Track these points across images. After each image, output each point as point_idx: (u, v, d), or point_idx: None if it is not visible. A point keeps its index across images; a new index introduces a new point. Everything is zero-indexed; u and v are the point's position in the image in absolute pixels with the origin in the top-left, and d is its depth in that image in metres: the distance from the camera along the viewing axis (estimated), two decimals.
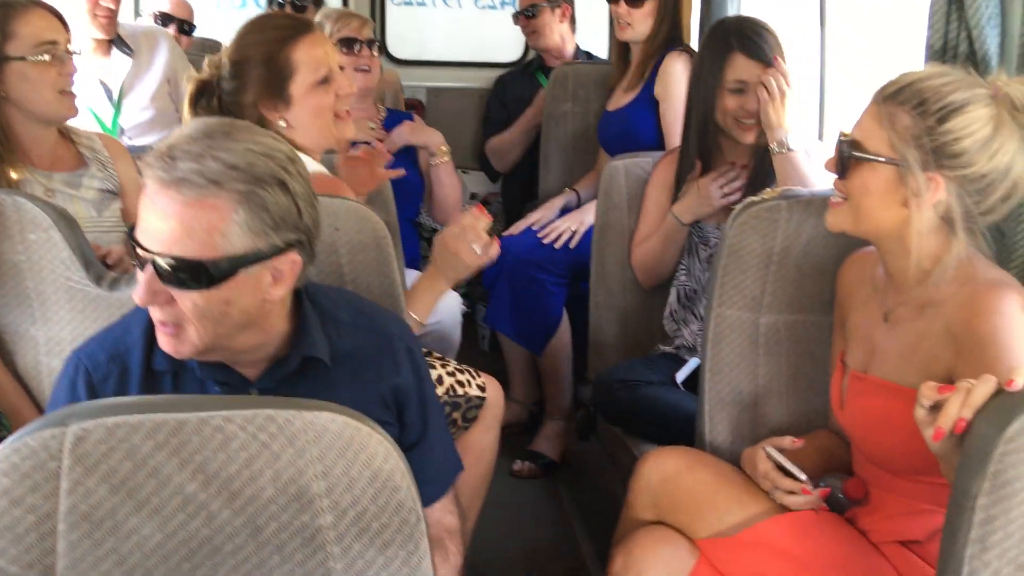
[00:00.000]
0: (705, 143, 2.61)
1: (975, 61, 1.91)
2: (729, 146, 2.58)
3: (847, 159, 1.65)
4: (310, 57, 2.08)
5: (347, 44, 3.08)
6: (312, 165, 2.11)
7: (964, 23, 1.93)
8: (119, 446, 1.05)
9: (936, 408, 1.32)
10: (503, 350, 3.43)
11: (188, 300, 1.36)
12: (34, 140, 2.24)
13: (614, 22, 3.26)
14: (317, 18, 3.21)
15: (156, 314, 1.40)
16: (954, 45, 1.97)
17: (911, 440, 1.38)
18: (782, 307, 2.07)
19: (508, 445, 2.93)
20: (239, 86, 2.08)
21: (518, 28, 4.60)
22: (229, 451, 1.08)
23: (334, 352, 1.56)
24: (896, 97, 1.59)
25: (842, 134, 1.68)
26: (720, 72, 2.49)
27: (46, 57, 2.16)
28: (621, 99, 3.30)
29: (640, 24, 3.16)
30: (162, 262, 1.34)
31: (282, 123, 2.09)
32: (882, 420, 1.64)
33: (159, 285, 1.36)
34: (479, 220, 2.13)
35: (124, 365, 1.51)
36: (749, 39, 2.48)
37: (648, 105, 3.18)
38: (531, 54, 4.61)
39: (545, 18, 3.95)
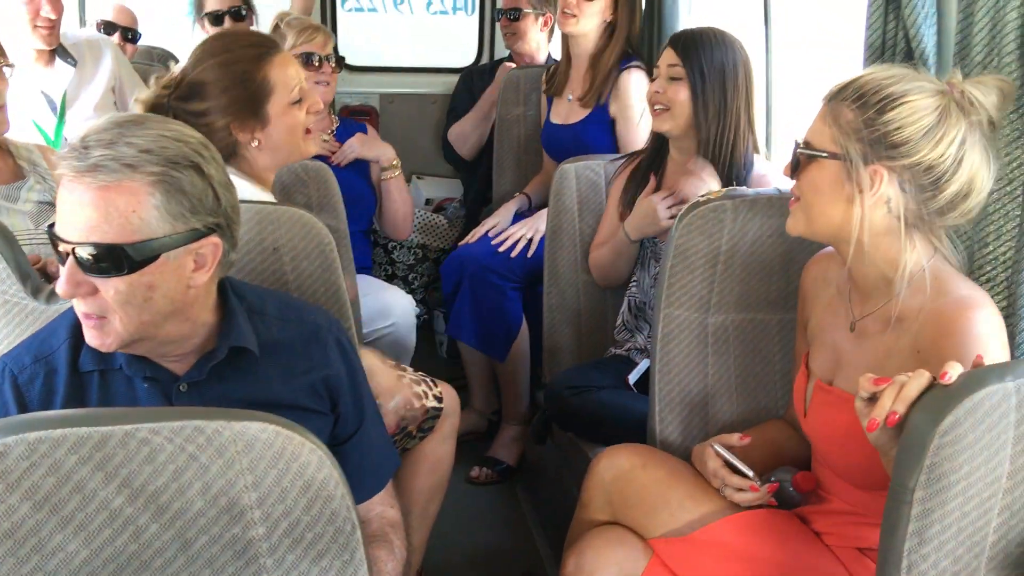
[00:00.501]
0: (657, 151, 2.61)
1: (912, 59, 1.94)
2: (674, 147, 2.58)
3: (796, 159, 1.66)
4: (285, 76, 2.05)
5: (307, 58, 3.04)
6: (263, 196, 2.09)
7: (901, 22, 1.95)
8: (42, 462, 1.03)
9: (874, 400, 1.33)
10: (463, 360, 3.41)
11: (111, 287, 1.36)
12: None
13: (559, 13, 3.18)
14: (276, 23, 3.13)
15: (80, 307, 1.39)
16: (892, 44, 2.00)
17: (875, 455, 1.38)
18: (730, 307, 2.08)
19: (466, 451, 2.92)
20: (209, 107, 2.01)
21: (472, 33, 4.63)
22: (156, 464, 1.05)
23: (262, 343, 1.56)
24: (839, 95, 1.60)
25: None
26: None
27: None
28: (571, 113, 3.27)
29: (586, 19, 3.11)
30: (82, 251, 1.34)
31: (254, 143, 2.06)
32: (846, 434, 1.61)
33: (81, 276, 1.36)
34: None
35: (50, 366, 1.50)
36: (682, 33, 2.53)
37: (604, 125, 3.17)
38: (484, 59, 4.62)
39: (527, 23, 3.91)
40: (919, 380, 1.28)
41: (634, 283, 2.67)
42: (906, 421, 1.28)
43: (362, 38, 4.01)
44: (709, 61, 2.44)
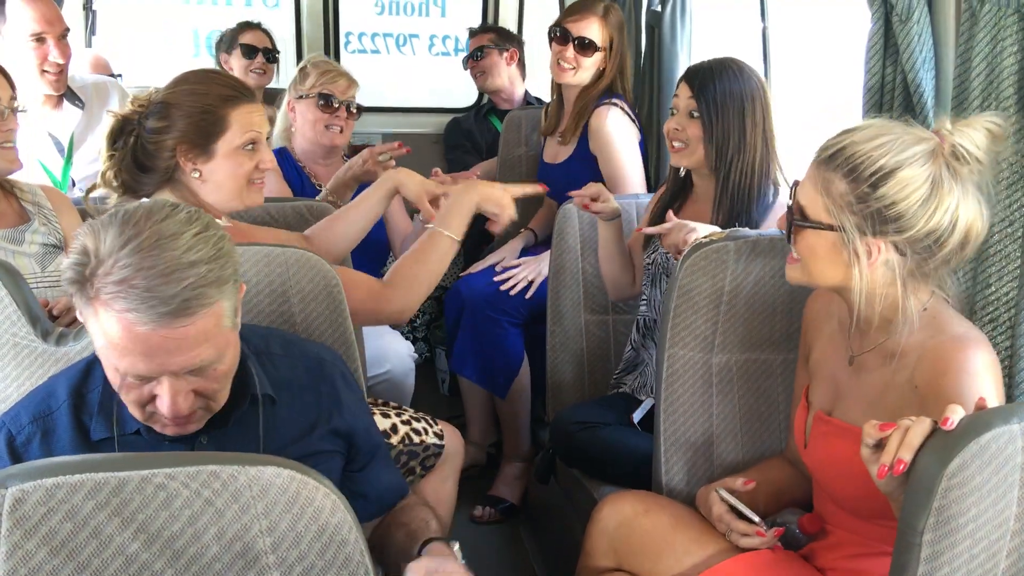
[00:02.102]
0: (681, 186, 2.61)
1: (911, 103, 1.97)
2: (698, 183, 2.57)
3: (791, 225, 1.67)
4: (245, 120, 2.08)
5: (326, 100, 3.08)
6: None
7: (899, 67, 1.99)
8: (59, 507, 1.04)
9: (880, 446, 1.34)
10: (462, 391, 3.42)
11: (212, 376, 1.41)
12: None
13: (551, 63, 3.24)
14: (305, 64, 3.18)
15: (177, 412, 1.41)
16: (891, 88, 2.03)
17: (873, 484, 1.39)
18: (733, 347, 2.10)
19: (467, 490, 2.91)
20: (166, 127, 2.05)
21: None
22: (172, 509, 1.06)
23: (272, 384, 1.59)
24: (831, 162, 1.60)
25: (790, 197, 1.71)
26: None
27: None
28: (558, 152, 3.32)
29: (584, 71, 3.18)
30: (194, 375, 1.39)
31: (195, 174, 2.09)
32: (846, 464, 1.63)
33: (187, 389, 1.40)
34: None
35: (47, 426, 1.51)
36: (695, 68, 2.51)
37: (586, 162, 3.20)
38: (485, 99, 4.67)
39: (492, 59, 4.04)
40: (922, 426, 1.30)
41: (643, 301, 2.66)
42: (913, 464, 1.29)
43: (364, 79, 4.04)
44: (725, 95, 2.42)
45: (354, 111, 3.14)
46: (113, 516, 1.05)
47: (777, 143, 2.49)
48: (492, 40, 4.09)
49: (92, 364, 1.57)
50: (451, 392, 3.96)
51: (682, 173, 2.57)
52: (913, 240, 1.56)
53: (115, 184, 2.13)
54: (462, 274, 3.47)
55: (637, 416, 2.56)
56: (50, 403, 1.53)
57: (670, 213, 2.45)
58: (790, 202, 1.69)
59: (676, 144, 2.49)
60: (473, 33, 4.28)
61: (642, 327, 2.68)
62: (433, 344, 4.15)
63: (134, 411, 1.43)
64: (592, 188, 2.60)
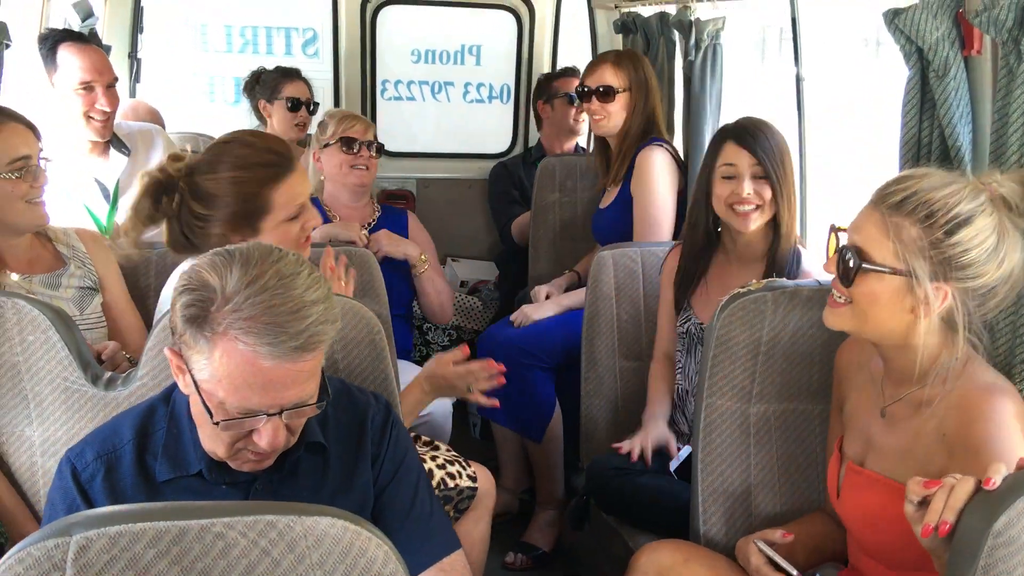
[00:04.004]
0: (708, 243, 2.61)
1: (948, 158, 1.99)
2: (740, 240, 2.56)
3: (853, 268, 1.64)
4: (288, 196, 2.12)
5: (347, 143, 3.22)
6: None
7: (936, 121, 2.02)
8: (121, 555, 1.06)
9: (924, 503, 1.35)
10: (495, 438, 3.43)
11: (301, 420, 1.50)
12: (9, 246, 2.27)
13: (591, 122, 3.36)
14: (324, 118, 3.34)
15: (277, 445, 1.46)
16: (927, 142, 2.05)
17: (907, 535, 1.39)
18: (771, 397, 2.10)
19: (500, 536, 2.91)
20: (210, 215, 2.09)
21: (506, 121, 4.76)
22: (230, 558, 1.08)
23: (323, 432, 1.62)
24: (901, 208, 1.59)
25: (845, 239, 1.70)
26: (713, 160, 2.53)
27: (17, 174, 2.18)
28: (608, 197, 3.38)
29: (614, 117, 3.25)
30: (298, 409, 1.45)
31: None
32: (879, 515, 1.65)
33: (287, 428, 1.47)
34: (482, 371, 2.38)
35: (111, 464, 1.55)
36: (741, 129, 2.52)
37: (627, 205, 3.24)
38: (519, 147, 4.74)
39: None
40: (966, 486, 1.30)
41: (679, 370, 2.68)
42: (958, 523, 1.29)
43: (400, 125, 4.14)
44: (778, 150, 2.48)
45: (374, 151, 3.28)
46: (173, 564, 1.08)
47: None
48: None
49: (155, 406, 1.62)
50: (483, 436, 3.97)
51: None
52: (976, 288, 1.58)
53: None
54: (518, 323, 3.45)
55: (674, 464, 2.56)
56: (115, 441, 1.57)
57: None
58: (848, 245, 1.68)
59: (747, 208, 2.48)
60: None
61: (676, 399, 2.68)
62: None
63: (218, 447, 1.48)
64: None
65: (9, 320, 1.87)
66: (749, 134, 2.49)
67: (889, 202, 1.61)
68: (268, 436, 1.44)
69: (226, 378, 1.39)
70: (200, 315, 1.39)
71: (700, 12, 3.32)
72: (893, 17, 2.03)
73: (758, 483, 2.11)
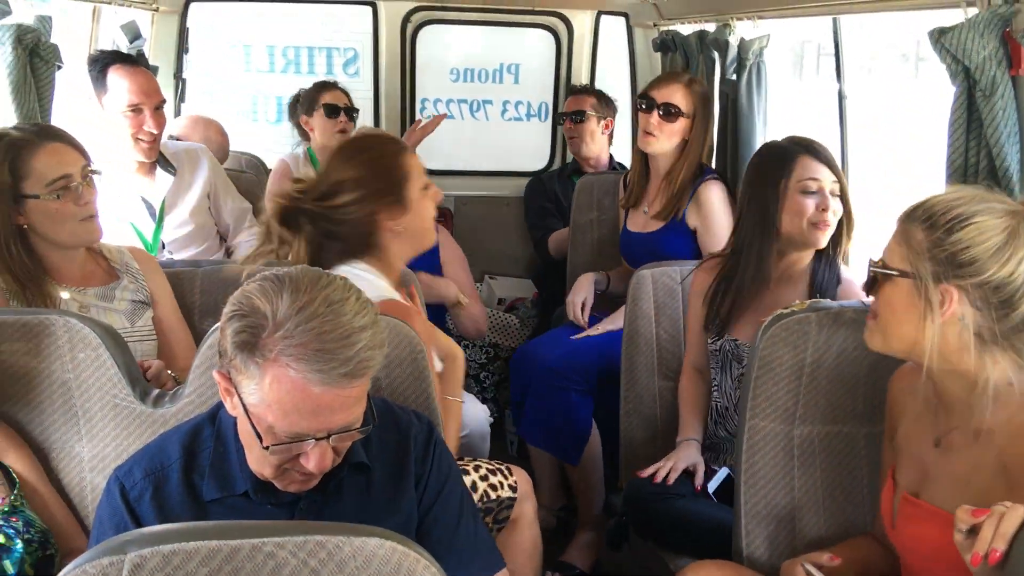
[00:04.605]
0: (759, 260, 2.56)
1: (996, 178, 1.97)
2: (783, 259, 2.55)
3: (872, 276, 1.70)
4: (416, 165, 2.24)
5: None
6: (391, 292, 2.21)
7: (983, 141, 1.99)
8: (174, 574, 1.07)
9: (974, 532, 1.33)
10: (531, 457, 3.43)
11: (348, 443, 1.51)
12: (63, 260, 2.32)
13: (638, 132, 3.31)
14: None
15: (324, 468, 1.48)
16: (974, 163, 2.03)
17: (964, 570, 1.37)
18: (816, 419, 2.08)
19: None
20: (351, 200, 2.17)
21: (544, 138, 4.79)
22: None
23: (367, 452, 1.63)
24: (912, 215, 1.65)
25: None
26: (786, 176, 2.47)
27: (59, 194, 2.21)
28: (648, 223, 3.32)
29: (666, 139, 3.20)
30: (346, 433, 1.46)
31: (399, 228, 2.21)
32: (935, 548, 1.61)
33: (333, 451, 1.48)
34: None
35: (159, 482, 1.57)
36: (810, 144, 2.51)
37: (682, 235, 3.21)
38: (556, 163, 4.75)
39: (590, 126, 4.12)
40: (1016, 514, 1.28)
41: (715, 387, 2.67)
42: (1009, 554, 1.27)
43: (439, 143, 4.17)
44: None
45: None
46: None
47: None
48: (593, 106, 4.12)
49: (200, 426, 1.64)
50: (519, 454, 3.97)
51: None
52: (986, 291, 1.55)
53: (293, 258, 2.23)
54: (576, 335, 3.44)
55: (712, 486, 2.54)
56: (162, 460, 1.59)
57: None
58: (873, 258, 1.72)
59: (829, 223, 2.47)
60: (573, 91, 4.33)
61: (714, 414, 2.67)
62: (502, 405, 4.17)
63: (266, 468, 1.49)
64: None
65: (60, 338, 1.90)
66: (822, 149, 2.50)
67: (905, 213, 1.66)
68: (316, 459, 1.45)
69: (276, 403, 1.41)
70: (251, 341, 1.41)
71: (740, 30, 3.32)
72: (939, 36, 2.02)
73: (802, 505, 2.09)
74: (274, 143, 4.42)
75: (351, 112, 4.02)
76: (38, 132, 2.26)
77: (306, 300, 1.41)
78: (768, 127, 3.28)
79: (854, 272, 2.56)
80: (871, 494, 2.07)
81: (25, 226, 2.22)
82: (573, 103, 4.21)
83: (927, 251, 1.59)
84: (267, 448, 1.44)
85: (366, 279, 2.17)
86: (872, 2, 2.60)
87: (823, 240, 2.48)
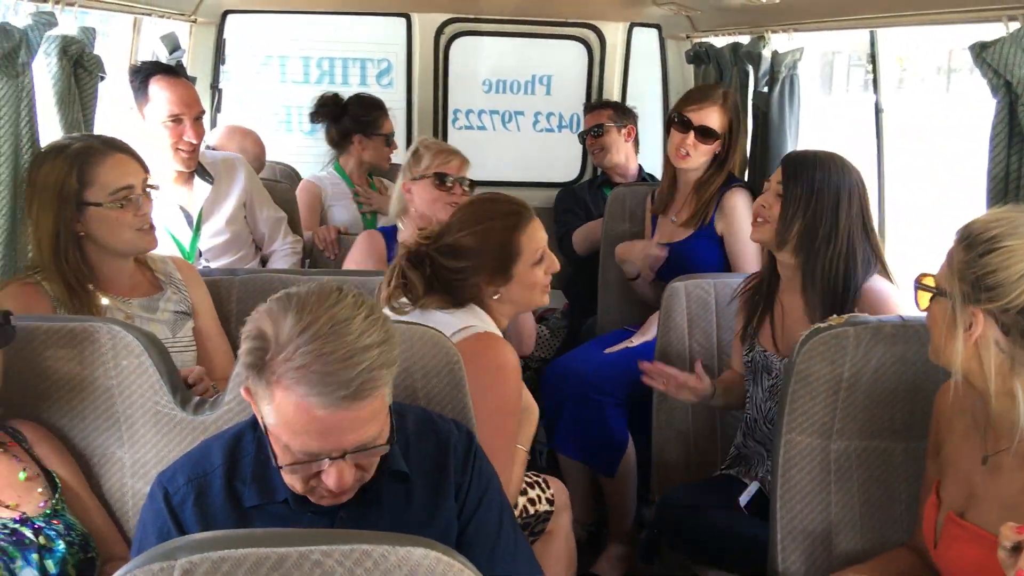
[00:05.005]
0: (772, 274, 2.62)
1: None
2: (782, 269, 2.58)
3: (915, 291, 1.72)
4: (533, 242, 2.29)
5: (441, 179, 3.16)
6: (492, 327, 2.25)
7: None
8: None
9: (1018, 549, 1.31)
10: (563, 470, 3.42)
11: (372, 458, 1.50)
12: (113, 270, 2.36)
13: (670, 149, 3.31)
14: (417, 147, 3.29)
15: (344, 486, 1.47)
16: (1016, 176, 2.02)
17: None
18: (853, 433, 2.07)
19: None
20: (467, 267, 2.25)
21: (575, 150, 4.80)
22: None
23: (406, 462, 1.63)
24: (958, 234, 1.66)
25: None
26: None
27: (122, 204, 2.28)
28: (675, 232, 3.34)
29: (701, 157, 3.24)
30: (362, 452, 1.46)
31: (496, 296, 2.28)
32: (979, 568, 1.60)
33: (357, 468, 1.48)
34: None
35: (201, 488, 1.58)
36: (793, 155, 2.57)
37: (710, 241, 3.24)
38: (587, 175, 4.76)
39: (612, 137, 4.14)
40: None
41: (748, 399, 2.66)
42: None
43: (471, 154, 4.18)
44: (818, 183, 2.42)
45: (467, 188, 3.22)
46: None
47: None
48: (610, 117, 4.17)
49: (242, 432, 1.65)
50: (548, 464, 3.96)
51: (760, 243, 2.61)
52: (1011, 316, 1.55)
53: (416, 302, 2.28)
54: (609, 349, 3.43)
55: (744, 500, 2.53)
56: (205, 466, 1.60)
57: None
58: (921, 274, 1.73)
59: (759, 220, 2.54)
60: (590, 108, 4.37)
61: (744, 427, 2.66)
62: None
63: (295, 483, 1.50)
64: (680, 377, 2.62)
65: (104, 345, 1.93)
66: (795, 161, 2.53)
67: (957, 230, 1.67)
68: (334, 478, 1.45)
69: (285, 424, 1.41)
70: (258, 363, 1.41)
71: (775, 42, 3.31)
72: (980, 51, 2.01)
73: (838, 521, 2.07)
74: (308, 153, 4.46)
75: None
76: (104, 142, 2.33)
77: (310, 320, 1.40)
78: (799, 140, 3.27)
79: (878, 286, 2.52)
80: (908, 511, 2.05)
81: (82, 233, 2.27)
82: (590, 119, 4.26)
83: (960, 272, 1.60)
84: (281, 468, 1.46)
85: (464, 315, 2.24)
86: (911, 15, 2.58)
87: (756, 233, 2.57)
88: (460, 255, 2.26)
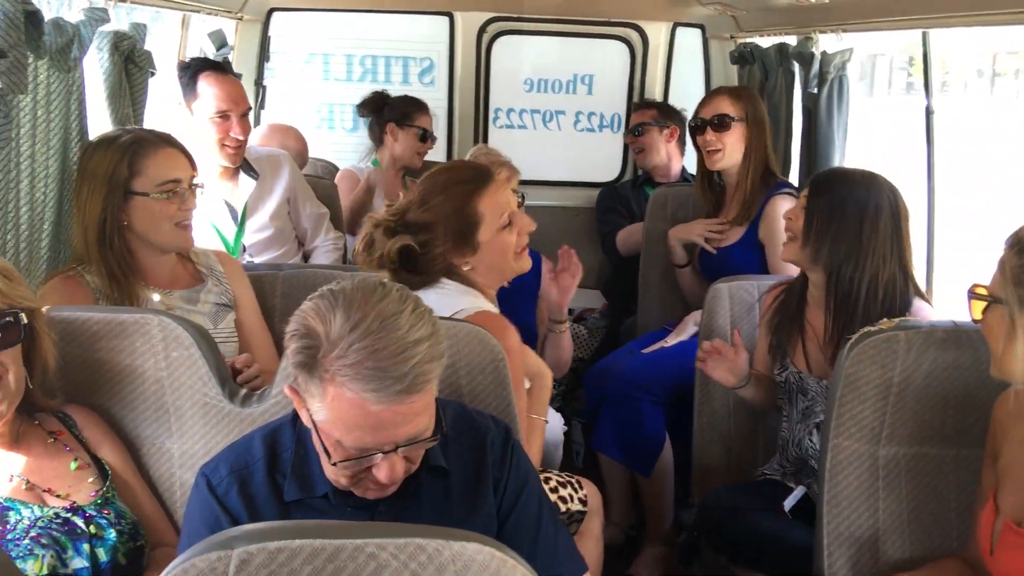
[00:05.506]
0: (804, 284, 2.57)
1: None
2: (811, 285, 2.56)
3: (969, 300, 1.70)
4: (495, 205, 2.25)
5: None
6: (484, 304, 2.24)
7: None
8: (279, 570, 1.09)
9: None
10: (602, 471, 3.41)
11: (420, 451, 1.52)
12: (154, 262, 2.39)
13: (703, 154, 3.32)
14: (470, 156, 3.32)
15: (395, 479, 1.49)
16: None
17: None
18: (902, 439, 2.04)
19: (605, 570, 2.87)
20: (430, 239, 2.23)
21: (616, 149, 4.78)
22: None
23: (445, 457, 1.63)
24: (1010, 240, 1.65)
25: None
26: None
27: (168, 195, 2.31)
28: (729, 236, 3.31)
29: (730, 148, 3.22)
30: (413, 445, 1.47)
31: (467, 267, 2.26)
32: None
33: (403, 461, 1.49)
34: None
35: (244, 479, 1.59)
36: (821, 172, 2.61)
37: (752, 248, 3.21)
38: (628, 175, 4.75)
39: (652, 137, 4.12)
40: None
41: (784, 419, 2.62)
42: None
43: (511, 153, 4.19)
44: (842, 199, 2.37)
45: (519, 198, 3.19)
46: None
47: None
48: (653, 117, 4.15)
49: (283, 426, 1.66)
50: (585, 465, 3.95)
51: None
52: None
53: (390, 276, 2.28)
54: (647, 350, 3.42)
55: (788, 504, 2.50)
56: (247, 458, 1.61)
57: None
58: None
59: (788, 235, 2.50)
60: (635, 108, 4.36)
61: (780, 443, 2.62)
62: (568, 415, 4.15)
63: (341, 478, 1.51)
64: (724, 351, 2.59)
65: (155, 336, 1.95)
66: (821, 176, 2.51)
67: (1008, 238, 1.66)
68: (386, 471, 1.46)
69: (339, 420, 1.42)
70: (309, 362, 1.42)
71: (824, 43, 3.28)
72: None
73: (886, 528, 2.04)
74: (350, 151, 4.48)
75: (433, 138, 4.11)
76: (157, 136, 2.36)
77: (359, 317, 1.41)
78: (848, 142, 3.24)
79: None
80: (959, 519, 2.02)
81: (126, 223, 2.30)
82: (634, 118, 4.27)
83: (1015, 277, 1.58)
84: (335, 464, 1.46)
85: (452, 294, 2.21)
86: (965, 16, 2.54)
87: (785, 252, 2.54)
88: (421, 230, 2.23)
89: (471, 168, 2.32)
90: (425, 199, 2.26)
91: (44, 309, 1.82)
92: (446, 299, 2.21)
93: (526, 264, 2.34)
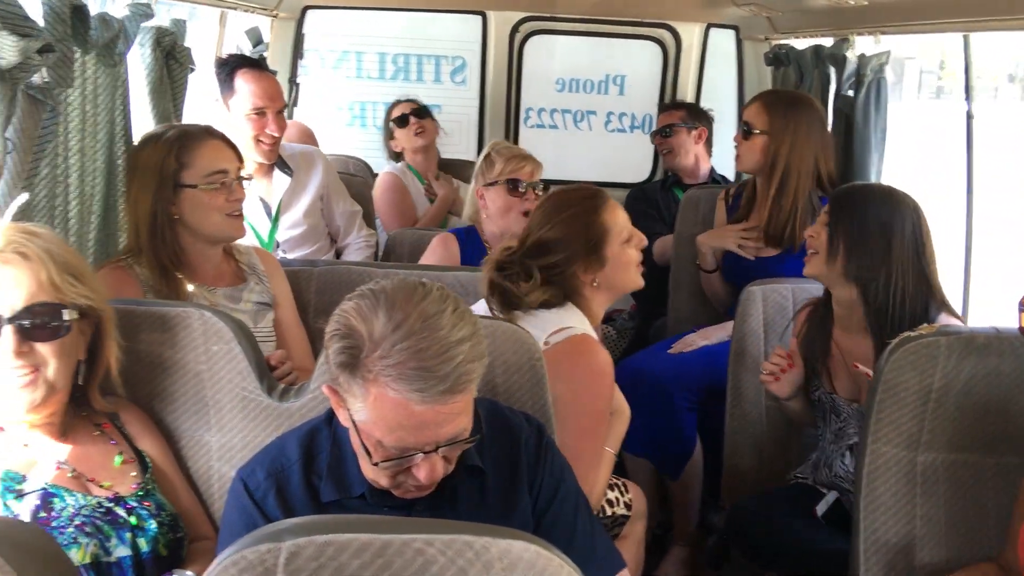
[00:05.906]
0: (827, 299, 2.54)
1: None
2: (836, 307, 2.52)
3: (1020, 316, 1.69)
4: (615, 219, 2.28)
5: (514, 185, 3.14)
6: (590, 330, 2.24)
7: None
8: (328, 564, 1.10)
9: None
10: (628, 471, 3.39)
11: (459, 450, 1.52)
12: (202, 258, 2.42)
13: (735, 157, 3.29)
14: (489, 150, 3.27)
15: (436, 478, 1.50)
16: None
17: None
18: (941, 446, 2.03)
19: None
20: (559, 260, 2.24)
21: (647, 150, 4.77)
22: (429, 574, 1.11)
23: (480, 456, 1.63)
24: None
25: None
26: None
27: (216, 185, 2.34)
28: (760, 248, 3.23)
29: (745, 156, 3.17)
30: (454, 445, 1.48)
31: (595, 283, 2.27)
32: None
33: (443, 461, 1.50)
34: None
35: (280, 483, 1.60)
36: (843, 189, 2.53)
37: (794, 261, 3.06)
38: (658, 175, 4.73)
39: (680, 138, 4.11)
40: None
41: (819, 435, 2.60)
42: None
43: (541, 153, 4.20)
44: (866, 216, 2.35)
45: (540, 192, 3.20)
46: None
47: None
48: (681, 118, 4.15)
49: (319, 427, 1.66)
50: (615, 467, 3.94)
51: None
52: None
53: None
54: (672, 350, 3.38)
55: (821, 509, 2.48)
56: (282, 461, 1.62)
57: None
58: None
59: (810, 252, 2.47)
60: (663, 109, 4.36)
61: (814, 458, 2.60)
62: None
63: (380, 479, 1.52)
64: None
65: (196, 330, 1.97)
66: (842, 193, 2.48)
67: None
68: (426, 471, 1.47)
69: (381, 420, 1.43)
70: (351, 362, 1.43)
71: (860, 45, 3.26)
72: None
73: (923, 535, 2.03)
74: (382, 148, 4.51)
75: (420, 113, 4.11)
76: (202, 129, 2.40)
77: (401, 317, 1.41)
78: (887, 147, 3.21)
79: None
80: (998, 527, 2.00)
81: (176, 217, 2.33)
82: (662, 119, 4.27)
83: None
84: (376, 464, 1.47)
85: (575, 315, 2.23)
86: (1007, 19, 2.52)
87: (807, 267, 2.50)
88: (549, 250, 2.24)
89: (587, 188, 2.35)
90: (548, 218, 2.28)
91: None
92: (555, 315, 2.22)
93: (641, 281, 2.35)
